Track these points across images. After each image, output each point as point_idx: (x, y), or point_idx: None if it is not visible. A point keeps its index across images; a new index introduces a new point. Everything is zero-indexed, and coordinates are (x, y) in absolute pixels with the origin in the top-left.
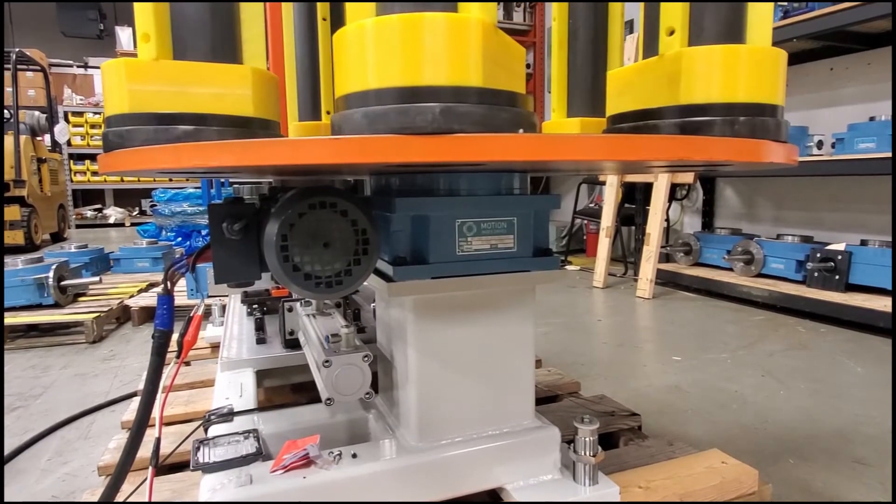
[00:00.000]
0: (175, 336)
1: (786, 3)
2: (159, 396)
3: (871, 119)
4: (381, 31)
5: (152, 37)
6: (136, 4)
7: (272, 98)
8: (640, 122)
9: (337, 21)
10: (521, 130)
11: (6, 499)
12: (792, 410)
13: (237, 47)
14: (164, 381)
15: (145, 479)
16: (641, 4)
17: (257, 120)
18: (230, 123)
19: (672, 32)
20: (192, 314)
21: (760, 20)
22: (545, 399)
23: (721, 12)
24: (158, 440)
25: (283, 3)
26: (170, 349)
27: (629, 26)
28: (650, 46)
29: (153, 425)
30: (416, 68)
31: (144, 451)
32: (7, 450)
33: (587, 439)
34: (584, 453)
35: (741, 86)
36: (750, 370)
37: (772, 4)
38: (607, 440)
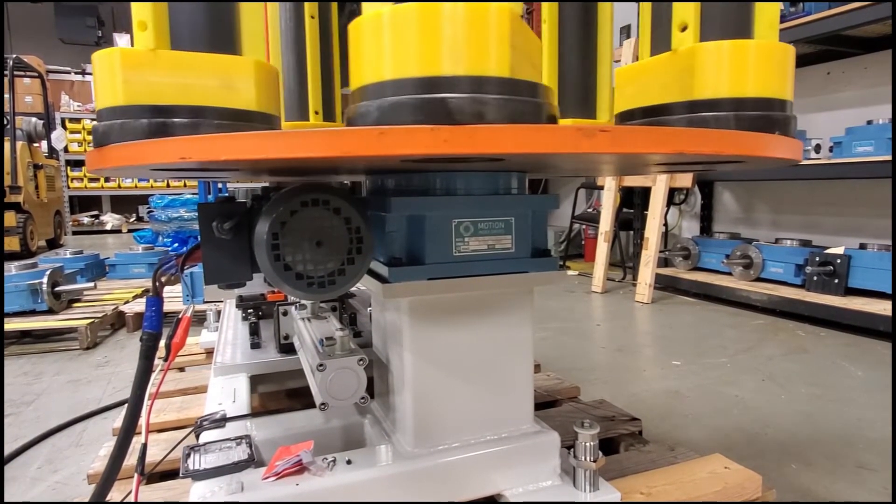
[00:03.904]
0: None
1: (782, 8)
2: (146, 402)
3: (869, 123)
4: (400, 18)
5: (149, 25)
6: None
7: (273, 91)
8: (650, 118)
9: (325, 19)
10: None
11: (6, 499)
12: (793, 415)
13: (237, 38)
14: (153, 385)
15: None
16: (640, 6)
17: (258, 114)
18: (231, 117)
19: (685, 28)
20: (180, 315)
21: (768, 16)
22: (544, 404)
23: (731, 8)
24: (145, 446)
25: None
26: (160, 355)
27: (626, 31)
28: (659, 43)
29: (140, 432)
30: (435, 58)
31: (134, 458)
32: None
33: (587, 444)
34: (585, 459)
35: (751, 80)
36: (750, 374)
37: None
38: (608, 445)
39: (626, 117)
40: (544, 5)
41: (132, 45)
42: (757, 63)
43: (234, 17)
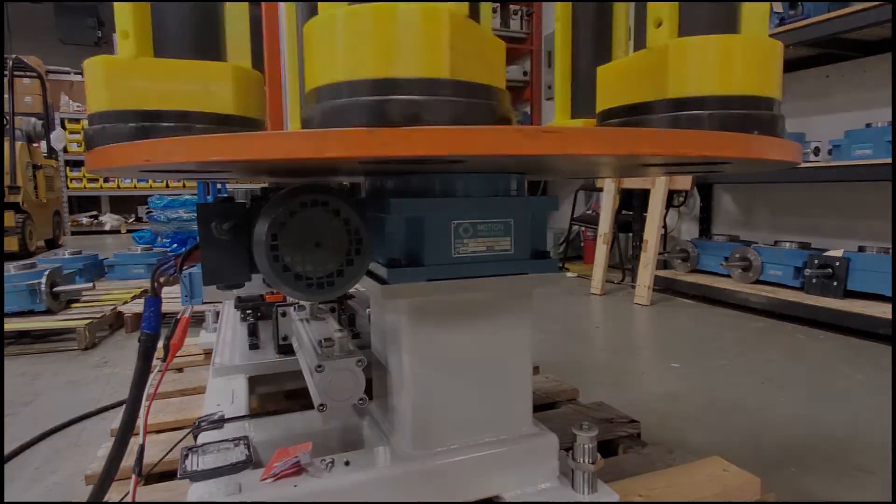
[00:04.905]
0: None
1: (781, 11)
2: (144, 402)
3: (868, 126)
4: (352, 20)
5: (131, 34)
6: (115, 3)
7: (255, 95)
8: (628, 117)
9: None
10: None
11: (6, 499)
12: (792, 418)
13: (219, 45)
14: (151, 386)
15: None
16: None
17: (239, 117)
18: (212, 121)
19: (660, 24)
20: (178, 316)
21: (758, 11)
22: (543, 406)
23: (714, 3)
24: (142, 447)
25: (279, 4)
26: (158, 355)
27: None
28: (640, 41)
29: (139, 433)
30: (386, 59)
31: (132, 459)
32: None
33: (586, 446)
34: (583, 461)
35: (730, 77)
36: (749, 377)
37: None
38: (606, 448)
39: (607, 116)
40: (557, 5)
41: None
42: (737, 59)
43: (217, 24)
